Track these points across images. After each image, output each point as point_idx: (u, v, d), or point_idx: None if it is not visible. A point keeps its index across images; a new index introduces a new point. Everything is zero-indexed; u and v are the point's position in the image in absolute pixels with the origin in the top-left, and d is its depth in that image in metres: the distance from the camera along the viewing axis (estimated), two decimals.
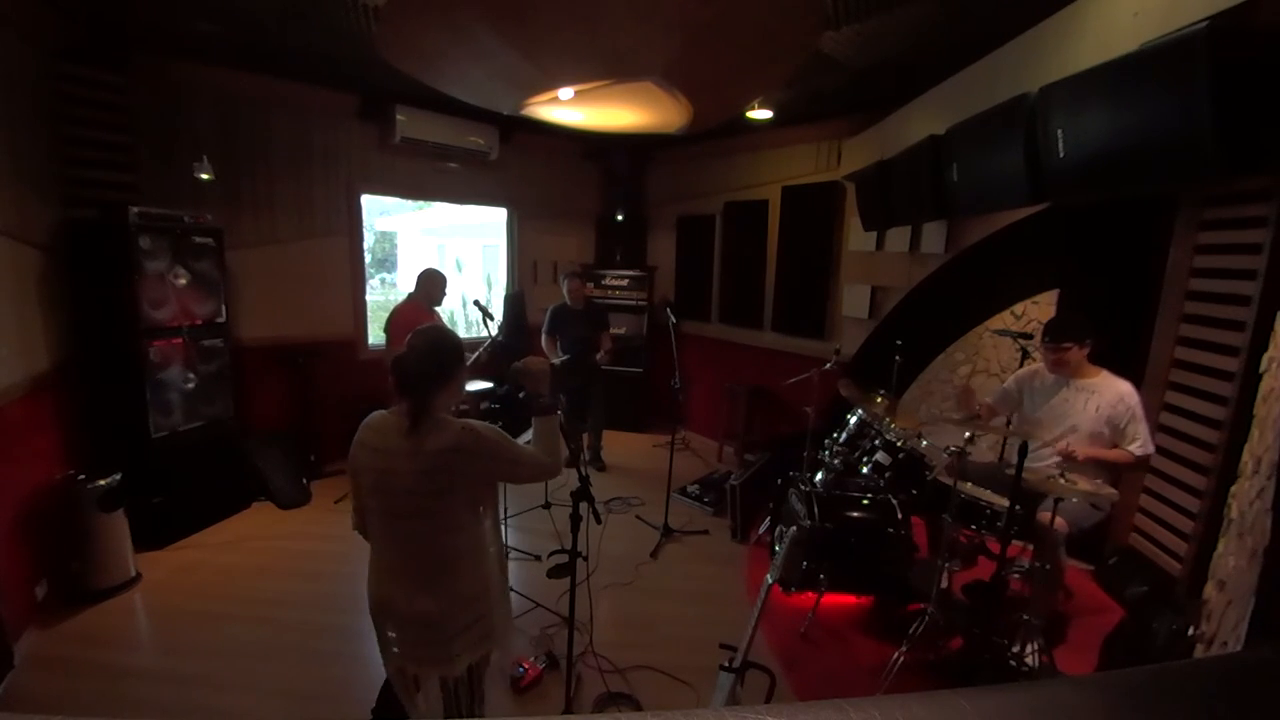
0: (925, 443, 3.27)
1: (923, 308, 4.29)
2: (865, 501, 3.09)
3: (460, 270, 10.18)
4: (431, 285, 3.93)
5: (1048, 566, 2.58)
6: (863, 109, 4.25)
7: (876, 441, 3.23)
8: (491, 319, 3.48)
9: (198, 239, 3.72)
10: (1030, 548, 2.77)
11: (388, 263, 12.96)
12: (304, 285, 4.66)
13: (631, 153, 6.11)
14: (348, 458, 1.65)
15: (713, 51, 3.10)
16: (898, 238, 4.39)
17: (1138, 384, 2.81)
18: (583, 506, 2.01)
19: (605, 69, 3.28)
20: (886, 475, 3.13)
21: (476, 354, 4.09)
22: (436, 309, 3.99)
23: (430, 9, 2.81)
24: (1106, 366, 2.82)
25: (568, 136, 5.47)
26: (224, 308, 3.93)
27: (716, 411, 5.81)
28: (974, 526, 2.72)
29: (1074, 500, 2.53)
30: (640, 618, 3.09)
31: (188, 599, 3.09)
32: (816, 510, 3.00)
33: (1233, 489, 1.75)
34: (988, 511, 2.66)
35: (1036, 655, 2.43)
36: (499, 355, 3.85)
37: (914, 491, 3.08)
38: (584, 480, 2.04)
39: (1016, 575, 2.85)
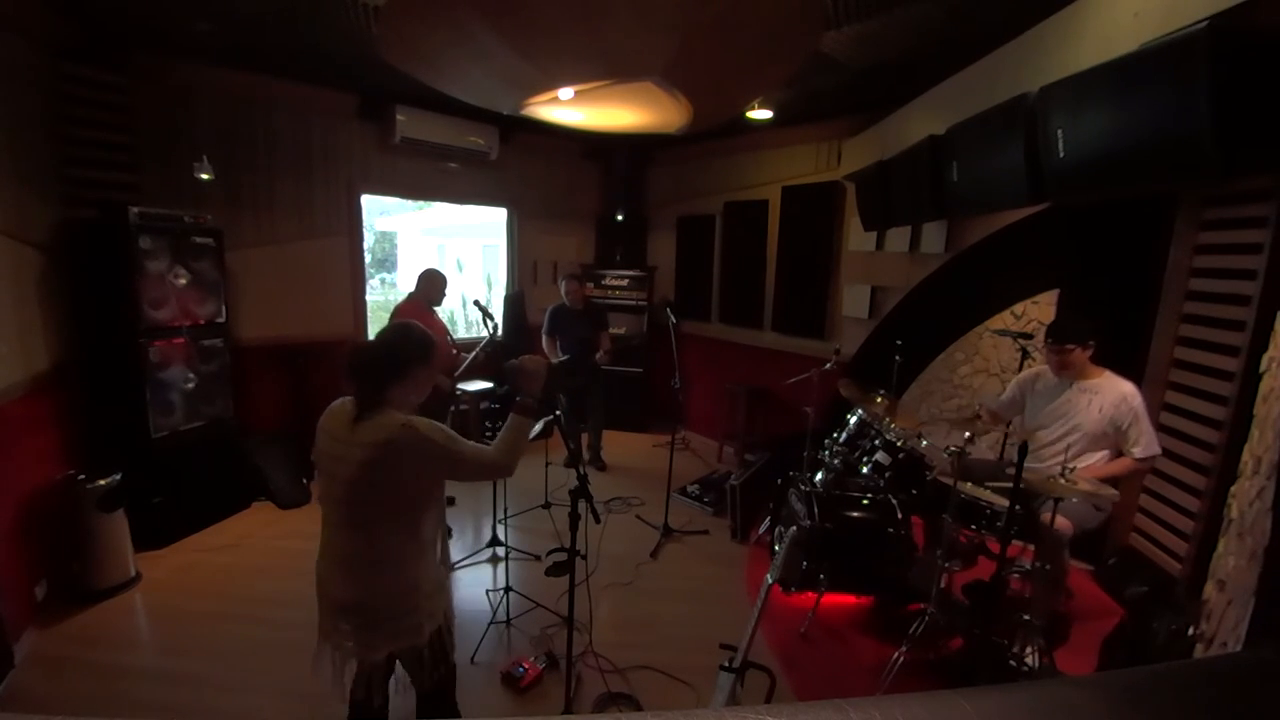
0: (925, 443, 3.27)
1: (923, 308, 4.29)
2: (865, 501, 3.09)
3: (460, 270, 10.18)
4: (432, 286, 3.94)
5: (1048, 567, 2.58)
6: (863, 109, 4.25)
7: (876, 441, 3.23)
8: (491, 319, 3.49)
9: (198, 239, 3.72)
10: (1031, 548, 2.77)
11: (388, 263, 12.97)
12: (304, 285, 4.66)
13: (631, 153, 6.10)
14: None
15: (713, 52, 3.10)
16: (898, 238, 4.39)
17: (1138, 384, 2.81)
18: (581, 505, 2.01)
19: (605, 69, 3.28)
20: (886, 475, 3.13)
21: (473, 355, 4.10)
22: (436, 309, 4.00)
23: (430, 9, 2.81)
24: (1109, 367, 2.82)
25: (568, 136, 5.47)
26: (224, 308, 3.93)
27: (716, 411, 5.81)
28: (974, 526, 2.72)
29: (1074, 501, 2.53)
30: (640, 617, 3.09)
31: (187, 599, 3.09)
32: (816, 510, 3.00)
33: (1233, 489, 1.75)
34: (988, 511, 2.66)
35: (1037, 655, 2.43)
36: (500, 355, 3.86)
37: (914, 491, 3.08)
38: (582, 479, 2.04)
39: (1017, 575, 2.85)
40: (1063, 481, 2.29)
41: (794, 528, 2.93)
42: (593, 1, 2.63)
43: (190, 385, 3.72)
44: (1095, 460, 2.73)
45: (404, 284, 11.60)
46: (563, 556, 2.14)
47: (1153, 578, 3.05)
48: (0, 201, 2.75)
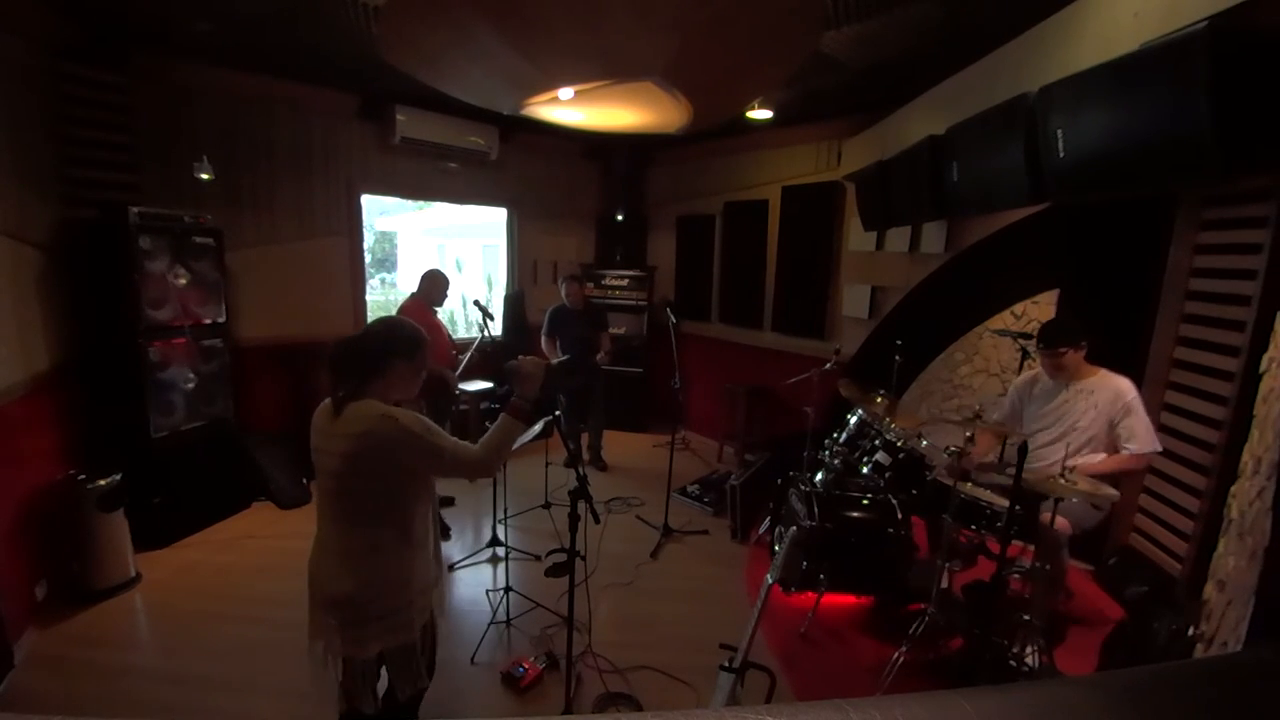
0: (925, 443, 3.27)
1: (922, 307, 4.29)
2: (865, 501, 3.09)
3: (460, 270, 10.17)
4: (433, 286, 3.94)
5: (1048, 567, 2.58)
6: (863, 109, 4.25)
7: (876, 441, 3.23)
8: (491, 319, 3.49)
9: (198, 239, 3.72)
10: (1031, 548, 2.77)
11: (388, 263, 12.96)
12: (304, 285, 4.66)
13: (631, 153, 6.10)
14: None
15: (713, 51, 3.10)
16: (898, 238, 4.39)
17: (1138, 383, 2.81)
18: (581, 506, 2.01)
19: (605, 69, 3.28)
20: (886, 475, 3.13)
21: (467, 355, 4.11)
22: (437, 309, 4.00)
23: (430, 9, 2.81)
24: (1106, 365, 2.82)
25: (568, 136, 5.47)
26: (224, 308, 3.94)
27: (716, 411, 5.81)
28: (974, 526, 2.72)
29: (1074, 500, 2.53)
30: (640, 618, 3.09)
31: (188, 599, 3.10)
32: (816, 510, 3.00)
33: (1233, 489, 1.75)
34: (988, 511, 2.66)
35: (1036, 655, 2.43)
36: (500, 355, 3.86)
37: (914, 491, 3.08)
38: (582, 480, 2.04)
39: (1017, 576, 2.85)
40: (1062, 481, 2.29)
41: (794, 528, 2.93)
42: (593, 1, 2.63)
43: (190, 385, 3.72)
44: (1094, 459, 2.73)
45: (404, 284, 11.60)
46: (562, 557, 2.14)
47: (1153, 578, 3.05)
48: (0, 201, 2.75)
